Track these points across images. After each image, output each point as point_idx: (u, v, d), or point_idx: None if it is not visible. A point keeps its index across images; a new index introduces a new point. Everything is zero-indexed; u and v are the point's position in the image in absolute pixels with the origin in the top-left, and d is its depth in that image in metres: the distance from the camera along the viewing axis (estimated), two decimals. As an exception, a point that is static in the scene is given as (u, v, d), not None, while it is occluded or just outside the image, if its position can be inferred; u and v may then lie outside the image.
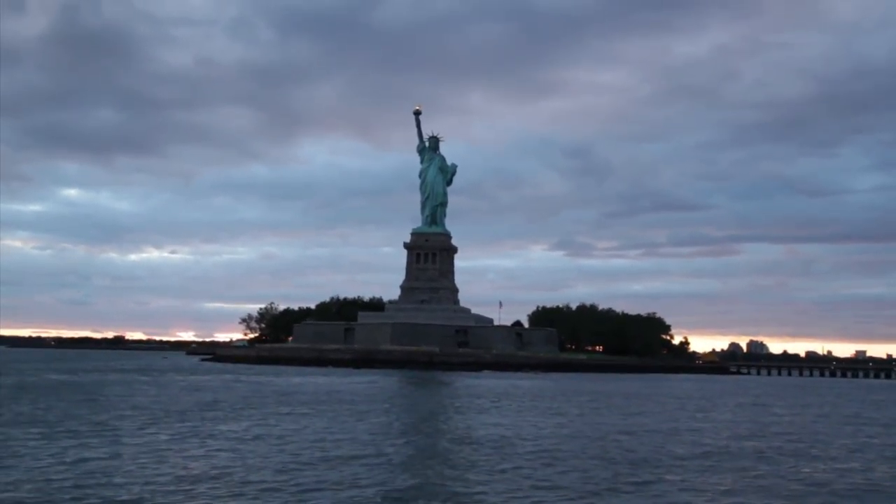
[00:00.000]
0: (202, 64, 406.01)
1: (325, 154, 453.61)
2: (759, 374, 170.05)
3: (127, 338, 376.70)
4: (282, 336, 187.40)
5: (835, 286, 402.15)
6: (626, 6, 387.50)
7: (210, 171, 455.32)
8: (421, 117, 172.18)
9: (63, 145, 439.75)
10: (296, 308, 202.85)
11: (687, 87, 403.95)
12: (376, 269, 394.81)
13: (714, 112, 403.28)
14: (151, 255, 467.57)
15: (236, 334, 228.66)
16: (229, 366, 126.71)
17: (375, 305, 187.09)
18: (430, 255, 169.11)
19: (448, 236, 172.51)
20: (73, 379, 76.90)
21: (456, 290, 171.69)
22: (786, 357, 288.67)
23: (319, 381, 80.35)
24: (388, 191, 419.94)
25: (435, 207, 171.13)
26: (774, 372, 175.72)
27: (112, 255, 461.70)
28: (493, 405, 54.21)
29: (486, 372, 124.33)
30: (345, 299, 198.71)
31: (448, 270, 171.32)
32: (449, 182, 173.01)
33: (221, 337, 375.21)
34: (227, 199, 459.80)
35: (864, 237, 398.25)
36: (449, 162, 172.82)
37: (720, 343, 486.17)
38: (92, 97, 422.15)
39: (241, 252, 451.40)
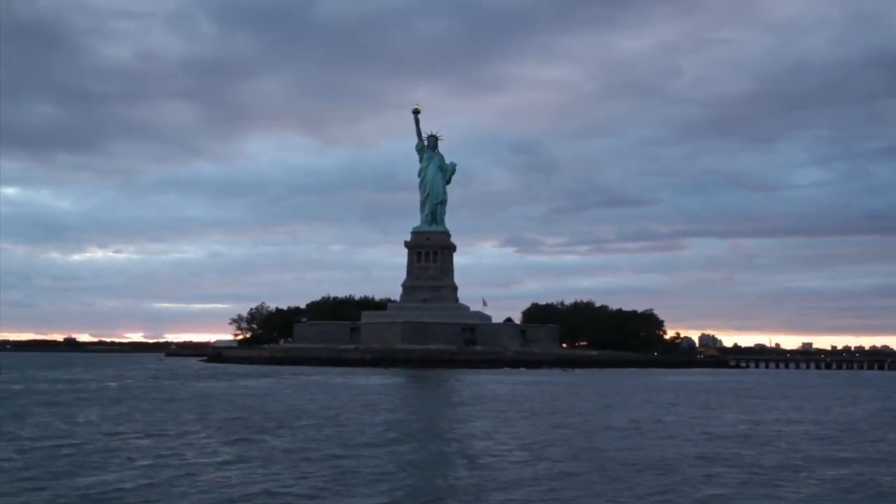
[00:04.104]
0: (142, 58, 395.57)
1: (271, 150, 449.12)
2: (756, 367, 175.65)
3: (75, 340, 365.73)
4: (275, 336, 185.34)
5: (778, 279, 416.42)
6: (570, 2, 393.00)
7: (153, 168, 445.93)
8: (420, 116, 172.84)
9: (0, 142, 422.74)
10: (285, 307, 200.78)
11: (631, 83, 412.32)
12: (327, 267, 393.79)
13: (658, 108, 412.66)
14: (95, 254, 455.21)
15: (189, 335, 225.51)
16: (256, 367, 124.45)
17: (371, 304, 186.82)
18: (432, 253, 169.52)
19: (448, 234, 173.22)
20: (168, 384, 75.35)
21: (456, 288, 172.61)
22: (785, 351, 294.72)
23: (401, 383, 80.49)
24: (337, 187, 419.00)
25: (435, 206, 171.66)
26: (772, 365, 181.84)
27: (54, 256, 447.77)
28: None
29: (506, 369, 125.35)
30: (336, 298, 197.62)
31: (449, 269, 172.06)
32: (448, 181, 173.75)
33: (171, 337, 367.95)
34: (171, 197, 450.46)
35: (804, 232, 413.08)
36: (448, 160, 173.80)
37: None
38: (29, 92, 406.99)
39: (187, 251, 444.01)
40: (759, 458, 27.67)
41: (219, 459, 25.60)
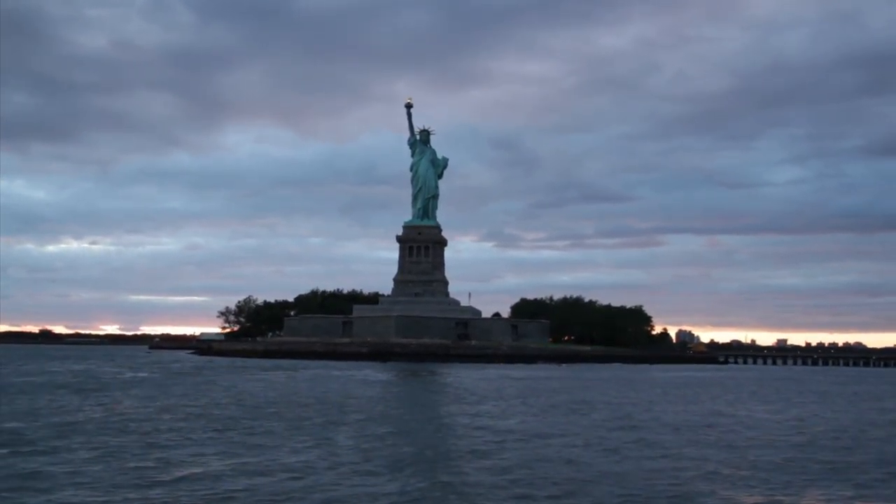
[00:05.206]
0: (119, 47, 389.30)
1: (250, 142, 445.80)
2: (745, 363, 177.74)
3: (51, 332, 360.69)
4: (263, 329, 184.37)
5: (754, 276, 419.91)
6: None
7: (131, 159, 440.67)
8: (412, 110, 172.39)
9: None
10: (272, 301, 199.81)
11: (611, 79, 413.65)
12: (307, 260, 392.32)
13: (637, 104, 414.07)
14: (70, 245, 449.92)
15: (166, 328, 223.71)
16: (255, 361, 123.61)
17: (361, 298, 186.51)
18: (423, 248, 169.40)
19: (439, 229, 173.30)
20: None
21: (447, 283, 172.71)
22: (776, 347, 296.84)
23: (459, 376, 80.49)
24: (316, 180, 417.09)
25: (427, 200, 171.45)
26: (760, 361, 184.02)
27: (29, 247, 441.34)
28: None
29: (501, 364, 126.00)
30: (324, 292, 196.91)
31: (440, 263, 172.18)
32: (440, 175, 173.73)
33: (148, 330, 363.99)
34: (149, 188, 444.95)
35: (780, 229, 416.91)
36: (440, 155, 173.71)
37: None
38: (2, 80, 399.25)
39: (165, 243, 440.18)
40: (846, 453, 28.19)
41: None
